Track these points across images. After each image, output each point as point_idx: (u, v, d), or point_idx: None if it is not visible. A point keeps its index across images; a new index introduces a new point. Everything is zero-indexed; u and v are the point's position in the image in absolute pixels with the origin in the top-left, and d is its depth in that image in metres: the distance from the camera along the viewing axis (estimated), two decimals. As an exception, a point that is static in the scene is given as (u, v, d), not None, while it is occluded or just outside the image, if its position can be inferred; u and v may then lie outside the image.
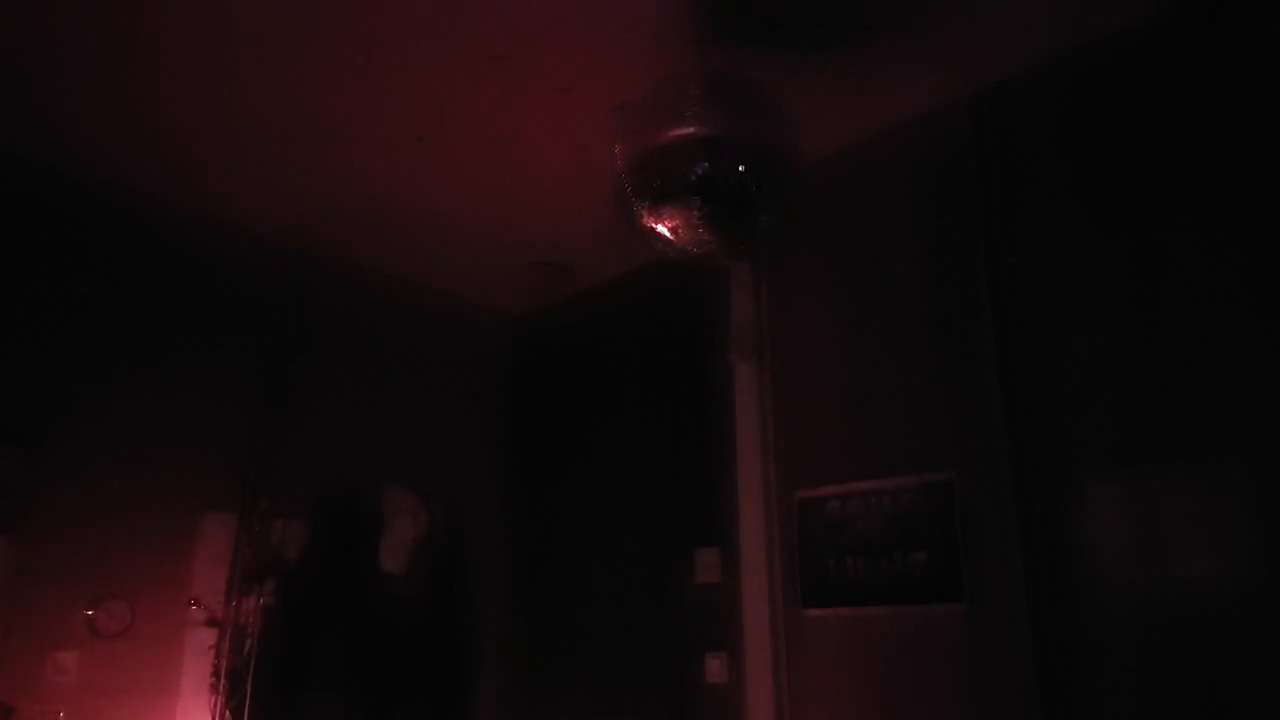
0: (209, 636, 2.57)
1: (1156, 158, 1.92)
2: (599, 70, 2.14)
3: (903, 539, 2.14)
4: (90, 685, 2.41)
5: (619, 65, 2.11)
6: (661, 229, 1.82)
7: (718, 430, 2.64)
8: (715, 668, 2.56)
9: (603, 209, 1.90)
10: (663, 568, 2.80)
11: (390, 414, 3.18)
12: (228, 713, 2.52)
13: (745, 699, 2.37)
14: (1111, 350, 1.91)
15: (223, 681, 2.53)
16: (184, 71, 2.16)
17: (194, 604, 2.55)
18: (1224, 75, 1.87)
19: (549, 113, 2.31)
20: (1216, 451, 1.74)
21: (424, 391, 3.31)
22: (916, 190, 2.31)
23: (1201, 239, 1.83)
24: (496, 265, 3.19)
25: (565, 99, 2.25)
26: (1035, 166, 2.11)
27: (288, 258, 2.99)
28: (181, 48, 2.07)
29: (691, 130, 1.75)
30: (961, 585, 2.03)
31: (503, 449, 3.51)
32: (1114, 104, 2.01)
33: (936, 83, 2.21)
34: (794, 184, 1.86)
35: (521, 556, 3.34)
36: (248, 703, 2.54)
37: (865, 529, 2.21)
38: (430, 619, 3.10)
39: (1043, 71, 2.12)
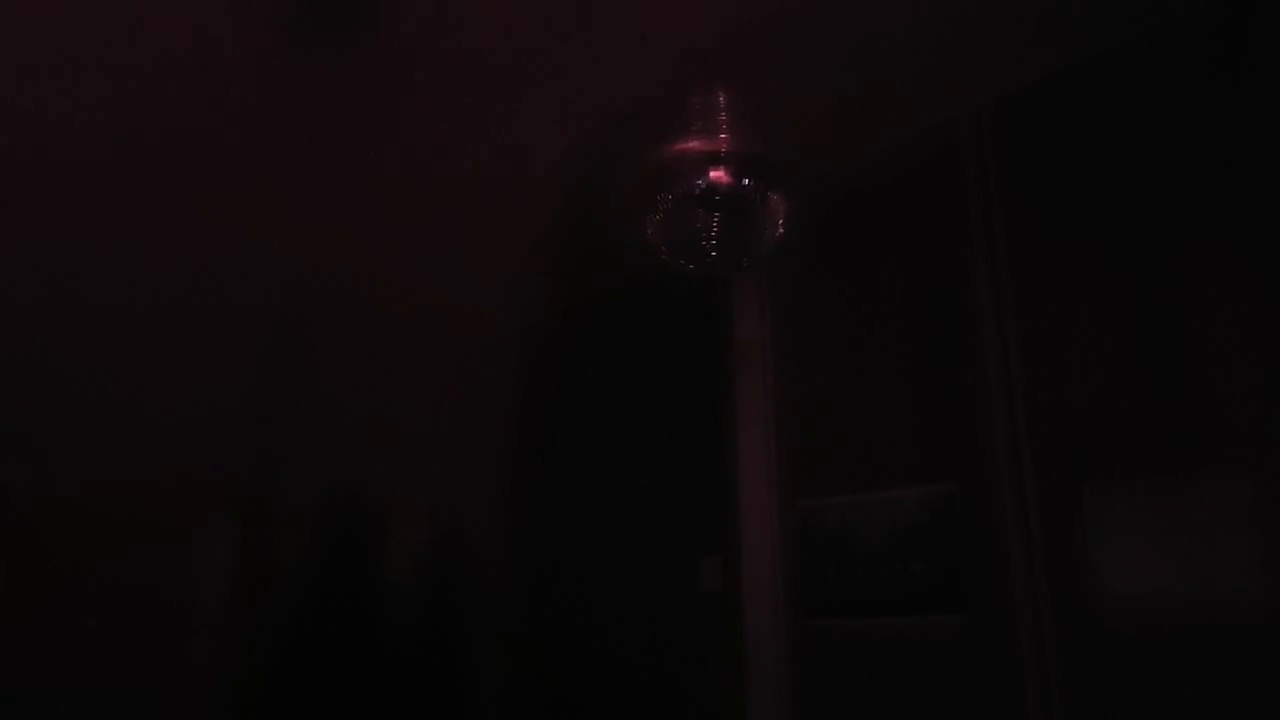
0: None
1: (1164, 170, 1.93)
2: (604, 82, 2.14)
3: (903, 550, 2.15)
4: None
5: (624, 76, 2.11)
6: (666, 240, 1.84)
7: (721, 440, 2.65)
8: (717, 676, 2.57)
9: (607, 219, 1.92)
10: (666, 576, 2.80)
11: (393, 418, 3.18)
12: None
13: (747, 708, 2.37)
14: (1115, 361, 1.91)
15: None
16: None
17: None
18: (1232, 87, 1.87)
19: (553, 124, 2.32)
20: (1222, 460, 1.74)
21: (428, 396, 3.31)
22: (919, 202, 2.32)
23: (1210, 250, 1.83)
24: (501, 271, 3.19)
25: (569, 110, 2.25)
26: (1039, 179, 2.12)
27: (291, 259, 2.99)
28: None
29: (696, 143, 1.76)
30: (961, 597, 2.03)
31: (506, 456, 3.51)
32: (1119, 116, 2.01)
33: (939, 96, 2.21)
34: (798, 196, 1.87)
35: (524, 564, 3.34)
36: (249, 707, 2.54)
37: (866, 540, 2.21)
38: (432, 625, 3.11)
39: (1046, 84, 2.13)
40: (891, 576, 2.15)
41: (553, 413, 3.43)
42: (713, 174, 1.73)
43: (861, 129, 2.36)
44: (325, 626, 2.82)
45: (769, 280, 2.59)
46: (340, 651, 2.83)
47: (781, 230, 1.86)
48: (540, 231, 2.90)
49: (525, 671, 3.18)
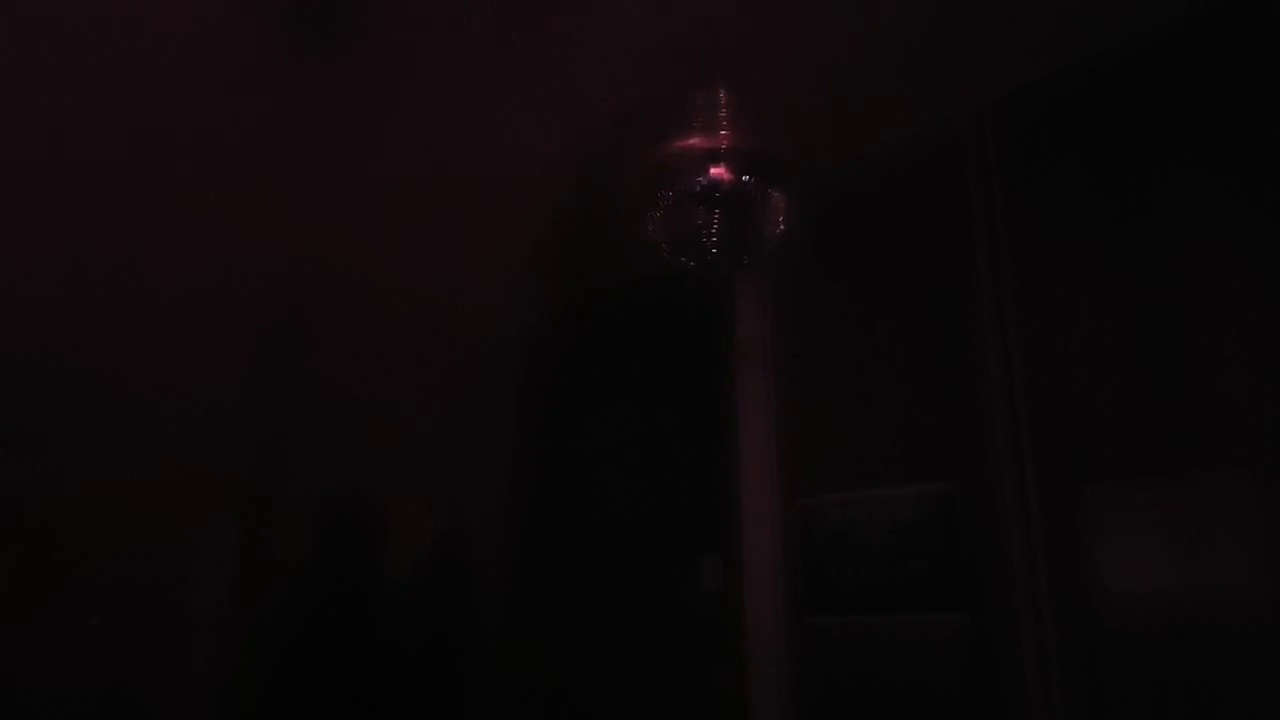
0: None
1: (1166, 169, 1.93)
2: (604, 80, 2.15)
3: (903, 548, 2.15)
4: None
5: (624, 74, 2.12)
6: (667, 238, 1.84)
7: (721, 439, 2.65)
8: (718, 675, 2.57)
9: (608, 217, 1.93)
10: (667, 575, 2.80)
11: (393, 418, 3.18)
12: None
13: (748, 707, 2.37)
14: (1116, 360, 1.91)
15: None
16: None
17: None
18: (1233, 86, 1.87)
19: (554, 122, 2.32)
20: (1223, 460, 1.74)
21: (428, 396, 3.31)
22: (920, 201, 2.32)
23: (1211, 249, 1.83)
24: (501, 270, 3.20)
25: (570, 108, 2.26)
26: (1040, 178, 2.12)
27: (291, 259, 3.00)
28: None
29: (697, 140, 1.76)
30: (962, 595, 2.03)
31: (506, 455, 3.51)
32: (1121, 115, 2.02)
33: (940, 95, 2.22)
34: (798, 194, 1.87)
35: (525, 563, 3.34)
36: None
37: (866, 538, 2.21)
38: (433, 625, 3.11)
39: (1048, 83, 2.13)
40: (892, 574, 2.15)
41: (553, 412, 3.43)
42: (713, 171, 1.73)
43: (863, 128, 2.36)
44: (326, 625, 2.82)
45: (770, 279, 2.60)
46: (341, 650, 2.83)
47: (782, 228, 1.86)
48: (540, 231, 2.90)
49: (525, 671, 3.18)
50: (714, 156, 1.77)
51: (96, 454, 2.54)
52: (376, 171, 2.59)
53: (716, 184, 1.78)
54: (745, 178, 1.80)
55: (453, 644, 3.17)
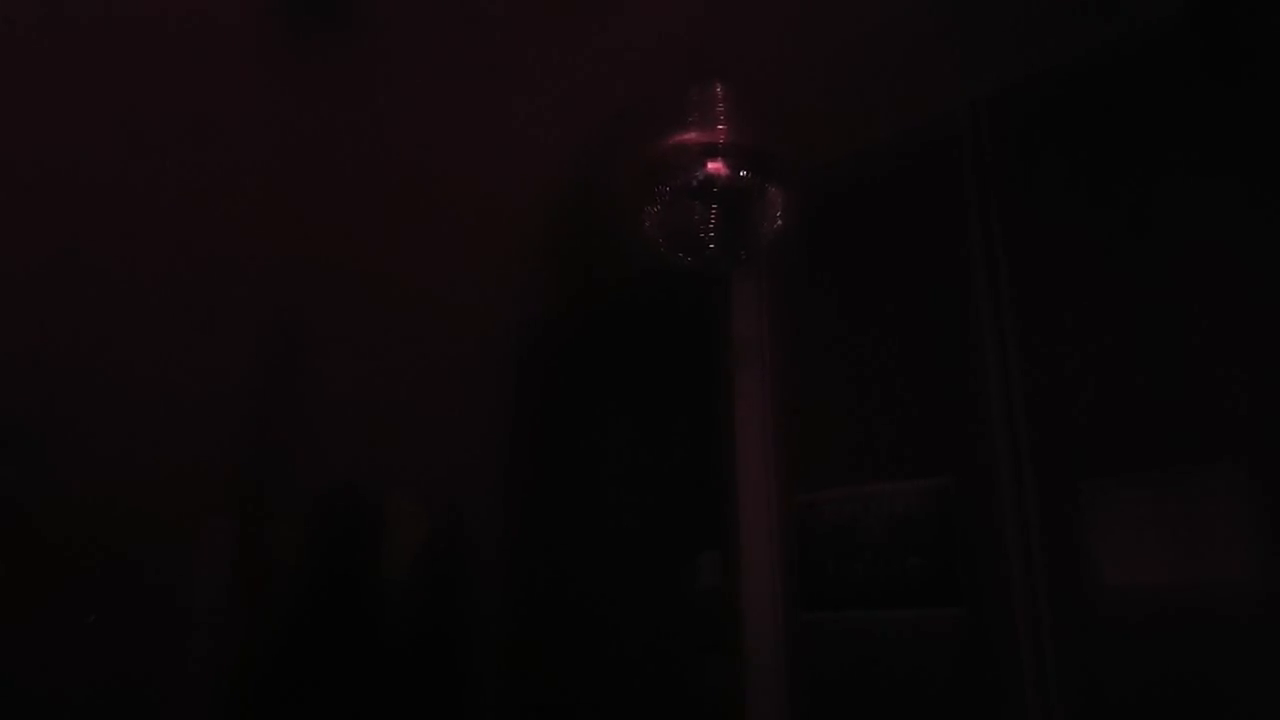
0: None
1: (1163, 166, 1.93)
2: (602, 76, 2.15)
3: (901, 543, 2.15)
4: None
5: (622, 70, 2.13)
6: (664, 234, 1.84)
7: (719, 435, 2.65)
8: (717, 670, 2.57)
9: (605, 214, 1.94)
10: (666, 572, 2.80)
11: (393, 416, 3.19)
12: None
13: (746, 703, 2.37)
14: (1113, 355, 1.92)
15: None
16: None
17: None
18: (1229, 83, 1.88)
19: (552, 120, 2.33)
20: (1220, 455, 1.74)
21: (428, 395, 3.32)
22: (916, 196, 2.33)
23: (1208, 246, 1.84)
24: (501, 269, 3.20)
25: (568, 106, 2.26)
26: (1037, 174, 2.13)
27: (291, 258, 3.01)
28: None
29: (694, 136, 1.77)
30: (958, 589, 2.04)
31: (506, 454, 3.51)
32: (1118, 111, 2.02)
33: (937, 91, 2.22)
34: (796, 190, 1.88)
35: (523, 561, 3.34)
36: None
37: (863, 533, 2.22)
38: (431, 624, 3.11)
39: (1044, 79, 2.14)
40: (889, 570, 2.15)
41: (551, 410, 3.43)
42: (710, 166, 1.74)
43: (860, 124, 2.37)
44: (325, 624, 2.82)
45: (767, 276, 2.60)
46: (339, 649, 2.83)
47: (779, 223, 1.87)
48: (539, 228, 2.91)
49: (524, 669, 3.18)
50: (711, 152, 1.78)
51: (96, 454, 2.55)
52: (376, 170, 2.59)
53: (713, 179, 1.78)
54: (742, 173, 1.80)
55: (451, 642, 3.17)
